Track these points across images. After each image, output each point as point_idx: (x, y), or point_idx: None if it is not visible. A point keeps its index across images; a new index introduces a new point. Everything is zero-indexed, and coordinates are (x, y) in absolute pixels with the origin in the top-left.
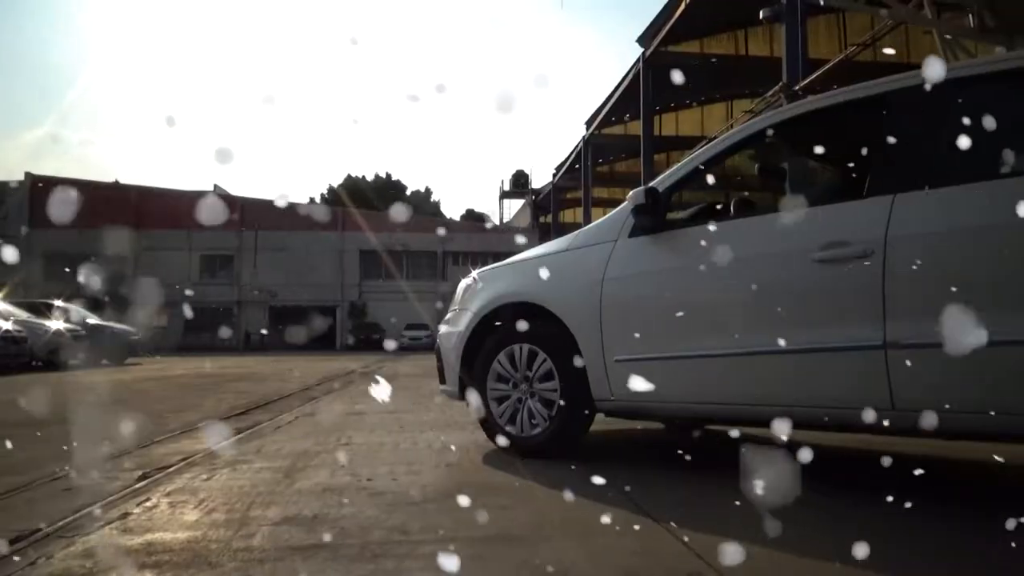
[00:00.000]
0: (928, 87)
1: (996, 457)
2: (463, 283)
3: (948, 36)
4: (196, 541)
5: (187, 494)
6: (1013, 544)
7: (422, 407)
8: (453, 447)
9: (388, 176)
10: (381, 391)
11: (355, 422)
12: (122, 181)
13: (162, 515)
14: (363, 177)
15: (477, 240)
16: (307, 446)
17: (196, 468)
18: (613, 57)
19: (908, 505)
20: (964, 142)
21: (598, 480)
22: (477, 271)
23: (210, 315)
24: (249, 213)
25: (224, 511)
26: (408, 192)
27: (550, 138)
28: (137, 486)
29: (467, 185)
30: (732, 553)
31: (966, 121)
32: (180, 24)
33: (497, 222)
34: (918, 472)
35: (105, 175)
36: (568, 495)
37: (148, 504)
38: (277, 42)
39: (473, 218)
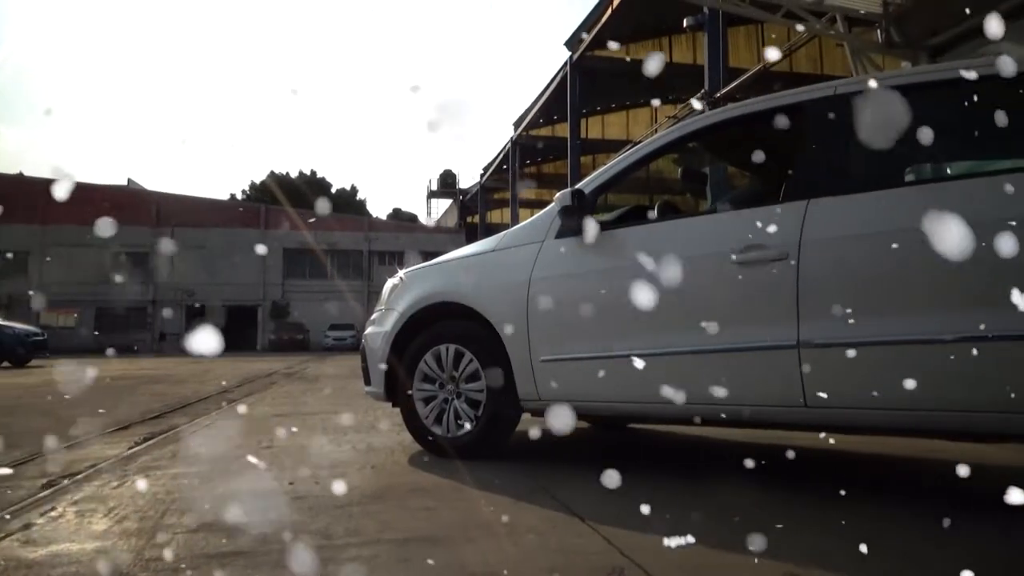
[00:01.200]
0: (840, 98)
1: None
2: (389, 283)
3: (858, 50)
4: (104, 551)
5: (96, 502)
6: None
7: (346, 408)
8: (378, 449)
9: (313, 173)
10: (304, 392)
11: (277, 425)
12: (27, 174)
13: (68, 525)
14: (287, 174)
15: (404, 239)
16: (226, 450)
17: (106, 475)
18: (542, 59)
19: (828, 497)
20: (872, 151)
21: (524, 479)
22: (404, 271)
23: (123, 315)
24: (166, 209)
25: (136, 519)
26: (334, 190)
27: (478, 138)
28: (41, 495)
29: (394, 184)
30: (655, 549)
31: (874, 131)
32: (97, 9)
33: (424, 222)
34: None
35: (10, 167)
36: (494, 495)
37: (53, 514)
38: (198, 31)
39: (400, 217)
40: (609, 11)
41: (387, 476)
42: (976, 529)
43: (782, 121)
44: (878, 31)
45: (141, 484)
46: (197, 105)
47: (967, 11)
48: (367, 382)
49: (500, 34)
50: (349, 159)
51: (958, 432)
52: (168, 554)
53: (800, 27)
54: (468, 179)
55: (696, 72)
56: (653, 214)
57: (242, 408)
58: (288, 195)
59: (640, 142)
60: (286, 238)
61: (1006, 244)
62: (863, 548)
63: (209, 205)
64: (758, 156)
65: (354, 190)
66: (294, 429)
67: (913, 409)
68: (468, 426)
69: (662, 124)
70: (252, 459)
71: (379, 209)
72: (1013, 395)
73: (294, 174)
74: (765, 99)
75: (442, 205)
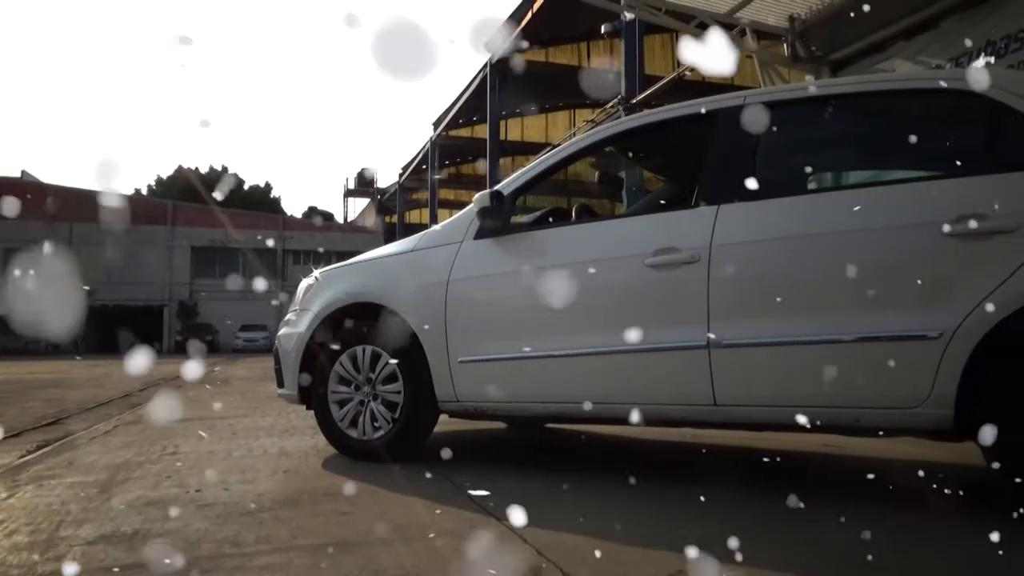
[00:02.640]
0: (749, 108)
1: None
2: (304, 283)
3: (766, 62)
4: None
5: None
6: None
7: (258, 412)
8: (291, 453)
9: (224, 169)
10: (212, 396)
11: (183, 430)
12: None
13: None
14: (196, 169)
15: (320, 239)
16: (127, 457)
17: None
18: (462, 59)
19: (742, 492)
20: (778, 159)
21: (442, 481)
22: (319, 270)
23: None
24: (63, 203)
25: (28, 532)
26: (247, 186)
27: (397, 137)
28: None
29: (310, 182)
30: (573, 549)
31: (781, 140)
32: None
33: (341, 221)
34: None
35: None
36: (411, 498)
37: None
38: (103, 20)
39: (316, 215)
40: (529, 14)
41: (300, 481)
42: (888, 523)
43: (695, 128)
44: (784, 45)
45: (34, 495)
46: (101, 95)
47: (864, 29)
48: (280, 384)
49: (421, 31)
50: (263, 155)
51: (854, 428)
52: (65, 569)
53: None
54: (386, 178)
55: (613, 78)
56: (570, 217)
57: (145, 413)
58: (197, 191)
59: (558, 145)
60: (194, 235)
61: (900, 249)
62: (778, 541)
63: (110, 200)
64: (672, 161)
65: (268, 187)
66: (201, 434)
67: (813, 406)
68: (385, 428)
69: (580, 128)
70: (156, 466)
71: (294, 207)
72: (904, 391)
73: (204, 169)
74: (679, 106)
75: (359, 204)
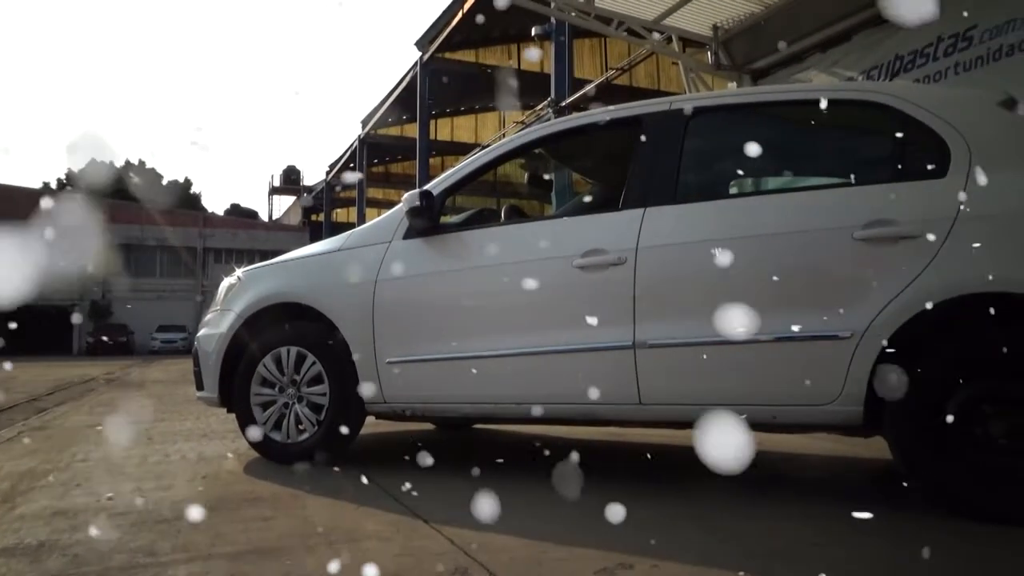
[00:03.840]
0: (675, 113)
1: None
2: (226, 282)
3: (691, 69)
4: None
5: None
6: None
7: (176, 416)
8: (211, 458)
9: (141, 163)
10: (127, 400)
11: (95, 435)
12: None
13: None
14: (111, 163)
15: (243, 237)
16: (33, 464)
17: None
18: (392, 57)
19: (660, 489)
20: (703, 164)
21: (368, 484)
22: (242, 269)
23: None
24: None
25: None
26: (164, 182)
27: (325, 134)
28: None
29: (233, 178)
30: (499, 548)
31: (705, 145)
32: None
33: (265, 219)
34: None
35: None
36: (336, 501)
37: None
38: (9, 6)
39: (239, 213)
40: (460, 14)
41: (220, 486)
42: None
43: (622, 132)
44: (708, 53)
45: None
46: (6, 81)
47: (784, 41)
48: (199, 387)
49: (350, 28)
50: (183, 149)
51: (772, 424)
52: None
53: (639, 42)
54: (313, 176)
55: (543, 80)
56: (500, 218)
57: (53, 417)
58: (112, 186)
59: (488, 146)
60: (107, 232)
61: (814, 252)
62: (696, 536)
63: (18, 194)
64: (600, 164)
65: (188, 183)
66: (115, 440)
67: (733, 404)
68: (310, 431)
69: (510, 129)
70: (64, 474)
71: (216, 204)
72: (817, 389)
73: (119, 163)
74: (607, 110)
75: (285, 202)
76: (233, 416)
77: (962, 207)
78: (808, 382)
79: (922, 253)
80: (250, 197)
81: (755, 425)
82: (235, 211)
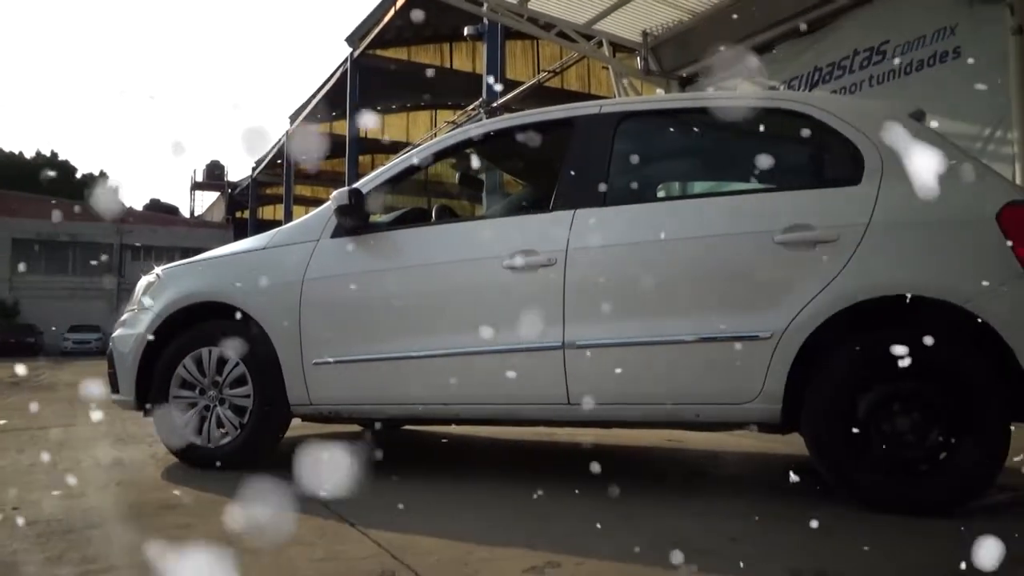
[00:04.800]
0: (605, 117)
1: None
2: (144, 280)
3: (621, 74)
4: None
5: None
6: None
7: (89, 420)
8: (126, 464)
9: (53, 155)
10: (35, 403)
11: None
12: None
13: None
14: (19, 153)
15: (163, 234)
16: None
17: None
18: (320, 53)
19: (589, 487)
20: (632, 167)
21: (293, 488)
22: (161, 267)
23: None
24: None
25: None
26: (78, 175)
27: (251, 129)
28: None
29: (153, 172)
30: (426, 550)
31: (634, 149)
32: None
33: (187, 215)
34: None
35: None
36: (259, 506)
37: None
38: None
39: (159, 209)
40: (392, 11)
41: (136, 493)
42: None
43: (553, 133)
44: (638, 59)
45: None
46: None
47: (709, 49)
48: (115, 390)
49: (278, 21)
50: (98, 141)
51: (695, 423)
52: None
53: (570, 45)
54: (238, 172)
55: (475, 80)
56: (430, 217)
57: None
58: (19, 177)
59: (419, 145)
60: (15, 226)
61: (737, 255)
62: (621, 533)
63: None
64: (531, 165)
65: (103, 175)
66: (20, 445)
67: (659, 403)
68: (232, 435)
69: (441, 128)
70: None
71: (134, 199)
72: (739, 388)
73: (28, 154)
74: (538, 112)
75: (208, 198)
76: (151, 420)
77: (874, 213)
78: (730, 381)
79: (838, 257)
80: (171, 192)
81: (679, 423)
82: (155, 206)
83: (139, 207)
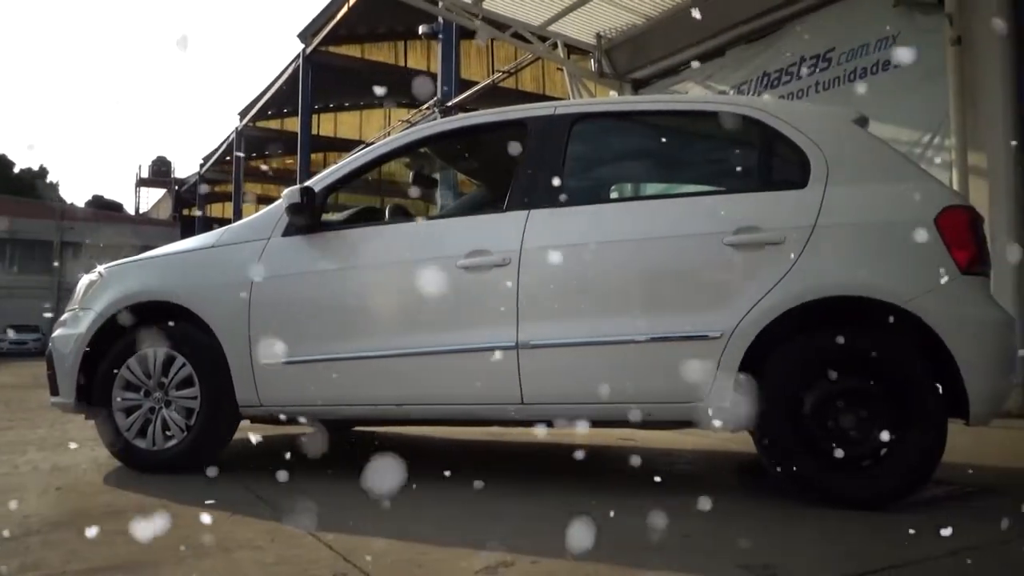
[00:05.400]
0: (559, 118)
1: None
2: (86, 279)
3: (575, 76)
4: None
5: None
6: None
7: (26, 423)
8: (66, 468)
9: None
10: None
11: None
12: None
13: None
14: None
15: (106, 231)
16: None
17: None
18: (272, 48)
19: (536, 487)
20: (586, 168)
21: (241, 491)
22: (104, 266)
23: None
24: None
25: None
26: (16, 170)
27: (198, 125)
28: None
29: (96, 168)
30: (378, 552)
31: (588, 150)
32: None
33: (132, 212)
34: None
35: None
36: (207, 511)
37: None
38: None
39: (102, 205)
40: (346, 7)
41: (77, 498)
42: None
43: (508, 134)
44: (592, 61)
45: None
46: None
47: (661, 52)
48: (54, 392)
49: (227, 15)
50: (37, 136)
51: (647, 422)
52: None
53: (525, 47)
54: (186, 168)
55: (430, 79)
56: (384, 216)
57: None
58: None
59: (373, 143)
60: None
61: (688, 256)
62: (575, 531)
63: None
64: (486, 165)
65: (43, 171)
66: None
67: (611, 402)
68: (178, 437)
69: (395, 127)
70: None
71: (76, 195)
72: (689, 387)
73: None
74: (493, 112)
75: (154, 195)
76: (92, 423)
77: (820, 216)
78: (680, 380)
79: (785, 259)
80: (115, 188)
81: (631, 422)
82: (98, 203)
83: (81, 204)
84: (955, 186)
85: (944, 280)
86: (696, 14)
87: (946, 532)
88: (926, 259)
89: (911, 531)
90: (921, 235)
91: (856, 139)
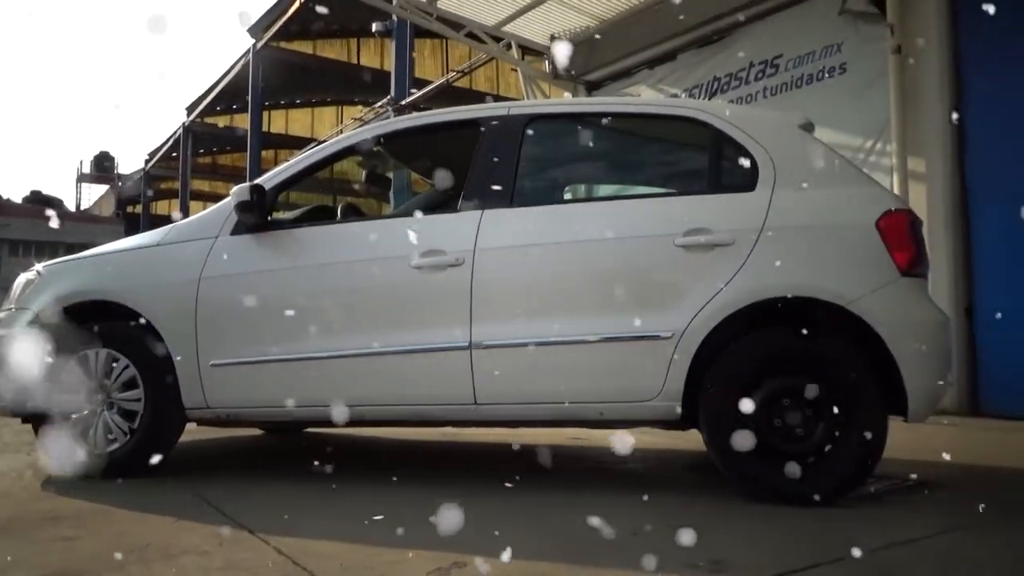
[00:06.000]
0: (513, 118)
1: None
2: (22, 278)
3: (529, 77)
4: None
5: None
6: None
7: None
8: (3, 473)
9: None
10: None
11: None
12: None
13: None
14: None
15: (45, 228)
16: None
17: None
18: (221, 43)
19: (506, 491)
20: (539, 169)
21: (188, 495)
22: (42, 264)
23: None
24: None
25: None
26: None
27: (143, 120)
28: None
29: (34, 163)
30: (328, 555)
31: (541, 151)
32: None
33: (73, 208)
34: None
35: None
36: (152, 516)
37: None
38: None
39: (40, 201)
40: (297, 2)
41: (13, 505)
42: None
43: (462, 134)
44: (546, 62)
45: None
46: None
47: (614, 55)
48: None
49: (175, 7)
50: None
51: (599, 421)
52: None
53: (480, 47)
54: (130, 164)
55: (383, 77)
56: (335, 215)
57: None
58: None
59: (325, 141)
60: None
61: (640, 257)
62: (528, 531)
63: None
64: (439, 165)
65: None
66: None
67: (564, 402)
68: (121, 440)
69: (347, 125)
70: None
71: (12, 190)
72: (640, 386)
73: None
74: (447, 111)
75: (96, 191)
76: (29, 426)
77: (767, 219)
78: (632, 380)
79: (734, 260)
80: (55, 184)
81: (583, 421)
82: (36, 198)
83: (18, 199)
84: (895, 190)
85: (884, 281)
86: (648, 18)
87: (886, 525)
88: (868, 261)
89: (853, 524)
90: (863, 238)
91: (802, 144)
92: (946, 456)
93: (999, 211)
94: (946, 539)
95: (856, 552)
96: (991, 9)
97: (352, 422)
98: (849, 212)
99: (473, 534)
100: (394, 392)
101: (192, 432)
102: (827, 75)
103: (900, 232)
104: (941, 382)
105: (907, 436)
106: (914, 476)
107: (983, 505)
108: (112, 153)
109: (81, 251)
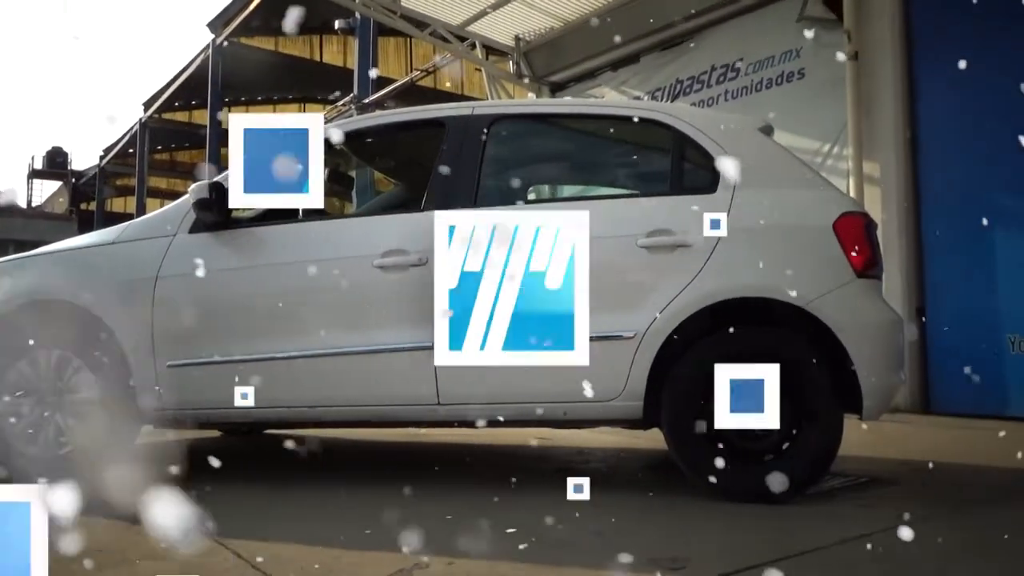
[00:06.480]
0: (477, 118)
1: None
2: None
3: (493, 77)
4: None
5: None
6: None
7: None
8: None
9: None
10: None
11: None
12: None
13: None
14: None
15: None
16: None
17: None
18: (180, 37)
19: (467, 490)
20: (504, 169)
21: (143, 500)
22: None
23: None
24: None
25: None
26: None
27: (99, 113)
28: None
29: None
30: (288, 558)
31: (504, 151)
32: None
33: (24, 205)
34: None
35: None
36: (104, 520)
37: None
38: None
39: None
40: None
41: None
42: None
43: (425, 133)
44: (510, 63)
45: None
46: None
47: (578, 57)
48: None
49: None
50: None
51: (562, 421)
52: None
53: (444, 45)
54: (84, 160)
55: (346, 75)
56: (296, 213)
57: None
58: None
59: None
60: None
61: (604, 258)
62: (489, 531)
63: None
64: (402, 164)
65: None
66: None
67: (528, 402)
68: (73, 443)
69: None
70: None
71: None
72: (603, 386)
73: None
74: (411, 110)
75: (49, 188)
76: None
77: (728, 220)
78: (595, 380)
79: (695, 261)
80: (4, 179)
81: (547, 421)
82: None
83: None
84: (852, 193)
85: (840, 282)
86: (612, 21)
87: (842, 520)
88: (825, 262)
89: (810, 521)
90: (820, 239)
91: (762, 147)
92: (898, 454)
93: (950, 214)
94: (894, 534)
95: (811, 547)
96: (944, 17)
97: (314, 423)
98: (807, 214)
99: (435, 535)
100: (356, 393)
101: (148, 435)
102: (786, 80)
103: (856, 234)
104: (895, 381)
105: (861, 434)
106: (868, 472)
107: (934, 499)
108: (65, 149)
109: (32, 249)
